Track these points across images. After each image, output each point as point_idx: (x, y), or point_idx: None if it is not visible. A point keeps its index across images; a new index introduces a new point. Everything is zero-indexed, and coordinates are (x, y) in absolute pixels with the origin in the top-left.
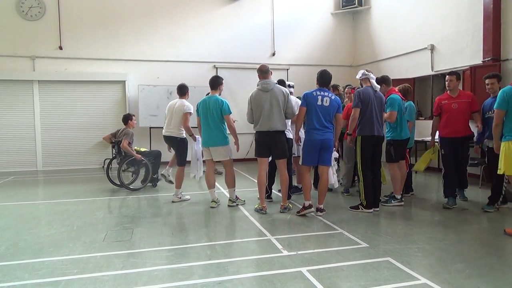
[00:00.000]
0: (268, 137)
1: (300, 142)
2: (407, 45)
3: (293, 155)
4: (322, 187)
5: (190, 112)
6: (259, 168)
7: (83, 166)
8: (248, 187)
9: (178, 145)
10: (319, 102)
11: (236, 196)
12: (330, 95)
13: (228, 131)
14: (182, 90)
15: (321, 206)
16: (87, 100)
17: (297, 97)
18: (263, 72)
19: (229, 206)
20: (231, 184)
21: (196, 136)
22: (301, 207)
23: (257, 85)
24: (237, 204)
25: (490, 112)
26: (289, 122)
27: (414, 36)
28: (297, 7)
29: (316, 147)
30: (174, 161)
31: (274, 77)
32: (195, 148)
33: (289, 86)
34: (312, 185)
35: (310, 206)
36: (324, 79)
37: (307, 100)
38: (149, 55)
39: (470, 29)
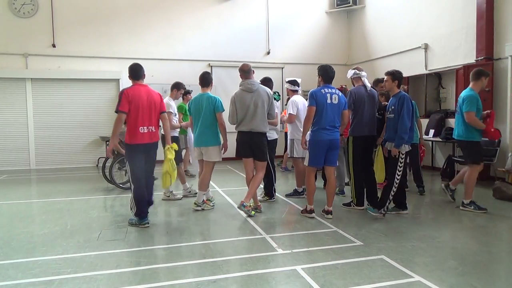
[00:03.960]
0: (250, 138)
1: (306, 145)
2: (402, 44)
3: (293, 156)
4: (331, 189)
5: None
6: (245, 169)
7: (77, 164)
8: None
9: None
10: (329, 101)
11: (204, 200)
12: (337, 92)
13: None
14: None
15: (330, 209)
16: (80, 98)
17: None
18: (245, 72)
19: (194, 210)
20: (204, 187)
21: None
22: (301, 209)
23: (240, 86)
24: (203, 209)
25: (388, 113)
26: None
27: (408, 35)
28: (292, 5)
29: (324, 148)
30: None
31: (269, 75)
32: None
33: (295, 83)
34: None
35: (311, 211)
36: (329, 74)
37: (317, 99)
38: (143, 53)
39: (464, 28)
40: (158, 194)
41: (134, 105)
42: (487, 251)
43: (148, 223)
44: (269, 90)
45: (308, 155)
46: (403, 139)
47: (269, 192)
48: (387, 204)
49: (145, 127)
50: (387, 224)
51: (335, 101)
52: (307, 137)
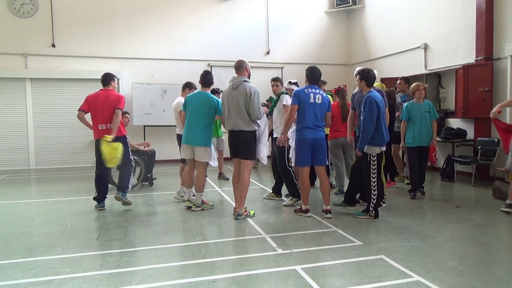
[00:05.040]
0: (234, 137)
1: (288, 143)
2: (401, 44)
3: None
4: (325, 188)
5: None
6: (234, 170)
7: (77, 164)
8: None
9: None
10: (312, 100)
11: (203, 201)
12: (321, 92)
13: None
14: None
15: (329, 207)
16: (80, 98)
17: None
18: (236, 67)
19: (193, 210)
20: (200, 188)
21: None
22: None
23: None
24: (203, 209)
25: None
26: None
27: (408, 35)
28: (291, 5)
29: (309, 146)
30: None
31: (269, 75)
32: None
33: (297, 85)
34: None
35: (307, 211)
36: (314, 76)
37: (299, 98)
38: (143, 53)
39: (463, 28)
40: (158, 194)
41: (93, 107)
42: (487, 251)
43: (103, 207)
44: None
45: (295, 154)
46: (363, 142)
47: (295, 192)
48: (371, 208)
49: (103, 125)
50: (387, 224)
51: (319, 101)
52: (291, 135)
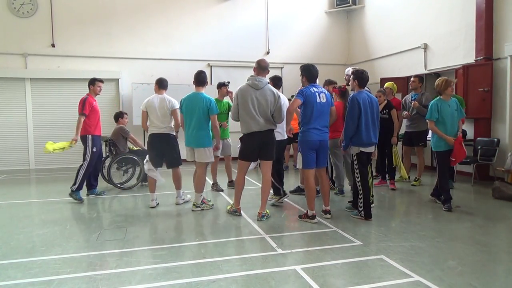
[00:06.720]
0: (260, 138)
1: (292, 133)
2: (401, 44)
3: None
4: (325, 188)
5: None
6: (240, 172)
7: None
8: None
9: (175, 142)
10: (318, 100)
11: (202, 201)
12: (323, 90)
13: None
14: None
15: (328, 208)
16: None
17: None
18: (262, 67)
19: (193, 210)
20: (200, 188)
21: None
22: (304, 211)
23: (247, 80)
24: (202, 209)
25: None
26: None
27: (408, 35)
28: (291, 5)
29: (314, 148)
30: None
31: (269, 75)
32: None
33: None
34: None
35: (313, 217)
36: (313, 73)
37: (307, 97)
38: (142, 53)
39: (463, 28)
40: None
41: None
42: (486, 251)
43: (98, 191)
44: (276, 90)
45: (301, 157)
46: (345, 140)
47: (274, 188)
48: (360, 208)
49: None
50: (387, 224)
51: (324, 100)
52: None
